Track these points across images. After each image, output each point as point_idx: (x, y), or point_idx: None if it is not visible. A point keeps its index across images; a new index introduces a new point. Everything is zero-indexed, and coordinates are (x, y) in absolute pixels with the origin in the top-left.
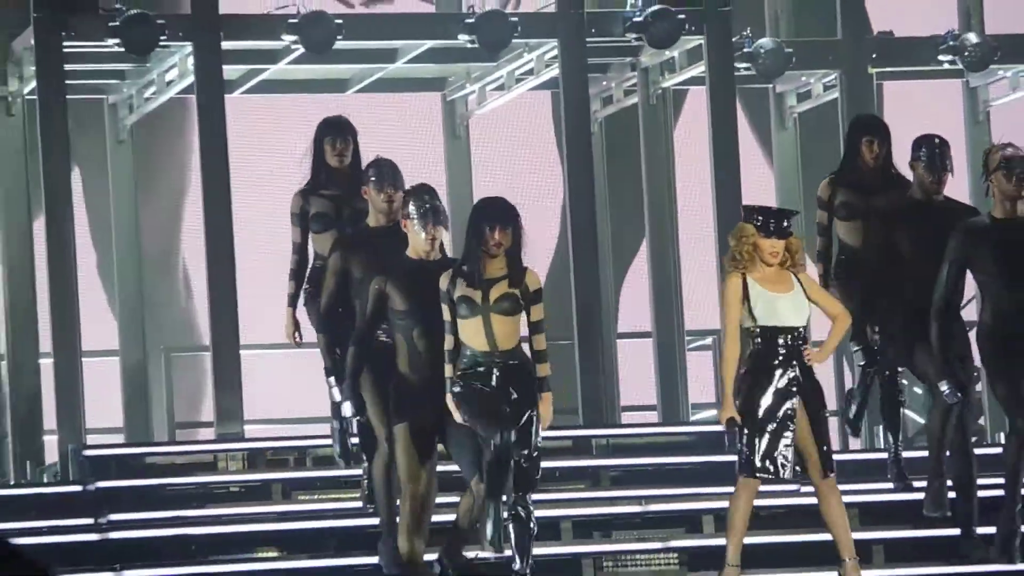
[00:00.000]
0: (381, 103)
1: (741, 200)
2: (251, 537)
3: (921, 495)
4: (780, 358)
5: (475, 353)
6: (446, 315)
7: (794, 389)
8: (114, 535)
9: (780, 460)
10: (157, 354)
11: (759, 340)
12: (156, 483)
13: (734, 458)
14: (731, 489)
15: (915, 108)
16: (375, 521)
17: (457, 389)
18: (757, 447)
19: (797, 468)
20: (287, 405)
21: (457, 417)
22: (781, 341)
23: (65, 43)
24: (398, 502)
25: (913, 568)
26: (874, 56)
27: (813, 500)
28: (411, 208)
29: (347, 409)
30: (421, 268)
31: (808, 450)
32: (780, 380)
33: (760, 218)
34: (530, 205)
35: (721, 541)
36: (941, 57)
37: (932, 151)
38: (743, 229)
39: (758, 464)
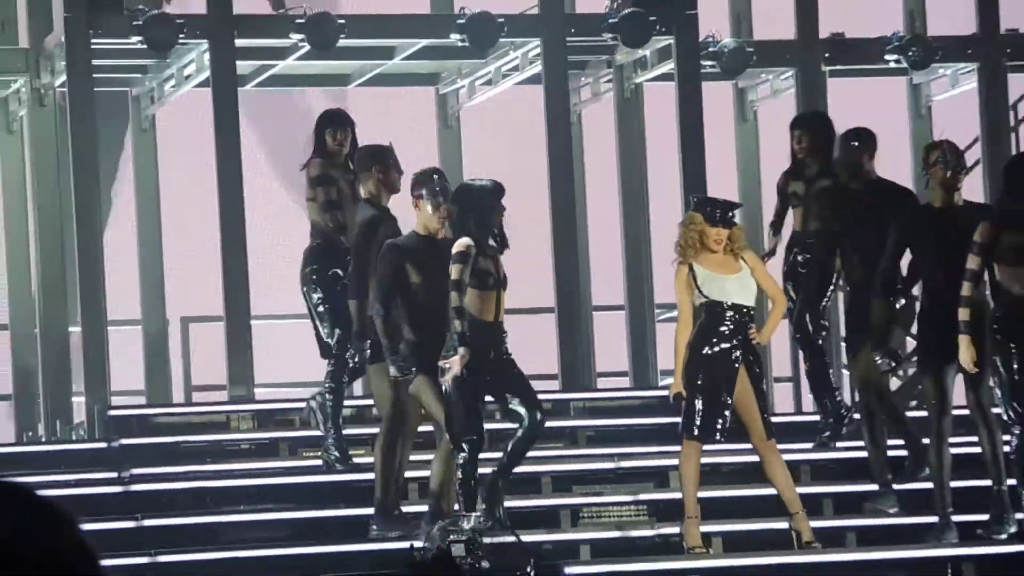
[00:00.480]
0: (380, 96)
1: (706, 183)
2: (260, 490)
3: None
4: (726, 332)
5: (483, 324)
6: (460, 275)
7: (735, 362)
8: (135, 488)
9: (718, 424)
10: (175, 323)
11: (705, 316)
12: (174, 440)
13: None
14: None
15: (863, 103)
16: (371, 476)
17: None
18: (697, 412)
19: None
20: (293, 370)
21: (452, 375)
22: (728, 316)
23: (92, 40)
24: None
25: (858, 520)
26: (826, 55)
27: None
28: (424, 189)
29: (402, 370)
30: (431, 244)
31: (750, 416)
32: (723, 352)
33: (708, 208)
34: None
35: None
36: (887, 56)
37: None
38: (692, 218)
39: (697, 427)
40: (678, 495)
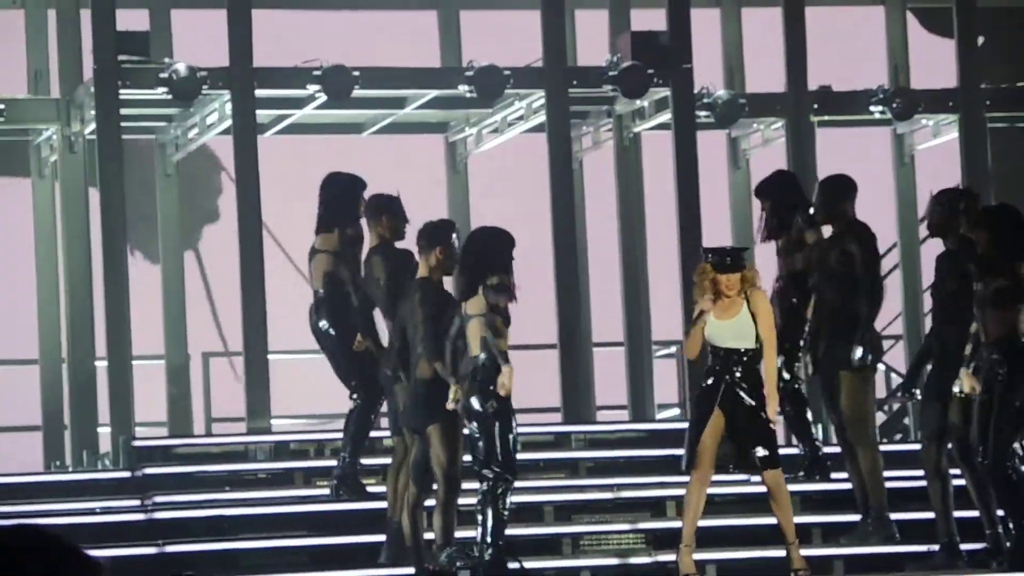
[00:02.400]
0: (392, 143)
1: (701, 227)
2: (276, 518)
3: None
4: (715, 371)
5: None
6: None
7: (717, 400)
8: (158, 515)
9: (699, 456)
10: (197, 357)
11: (709, 356)
12: (194, 470)
13: None
14: (688, 479)
15: (849, 152)
16: (384, 504)
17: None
18: (688, 446)
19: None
20: (309, 403)
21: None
22: (720, 358)
23: (121, 91)
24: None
25: (846, 548)
26: (815, 107)
27: (761, 488)
28: (454, 239)
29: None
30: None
31: (749, 452)
32: (709, 390)
33: (715, 257)
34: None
35: (681, 523)
36: (872, 108)
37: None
38: (703, 268)
39: (684, 458)
40: (674, 524)
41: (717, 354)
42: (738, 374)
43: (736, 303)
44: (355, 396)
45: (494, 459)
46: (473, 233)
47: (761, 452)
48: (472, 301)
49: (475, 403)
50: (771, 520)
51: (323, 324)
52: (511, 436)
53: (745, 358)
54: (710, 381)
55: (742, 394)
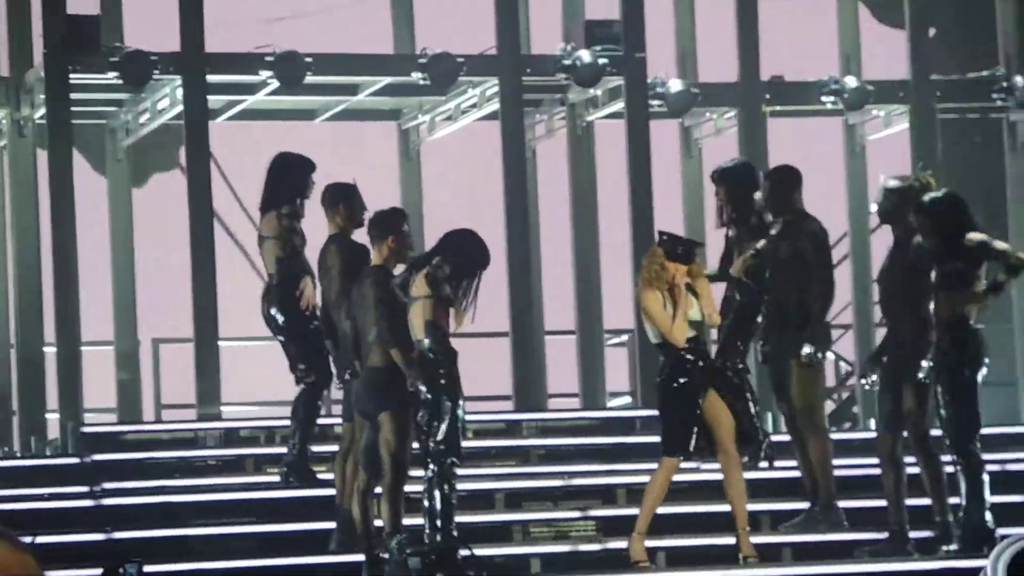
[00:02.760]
0: (344, 130)
1: (653, 216)
2: (226, 504)
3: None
4: (692, 364)
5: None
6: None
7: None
8: (107, 501)
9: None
10: (146, 344)
11: (675, 355)
12: (144, 457)
13: (644, 439)
14: (639, 466)
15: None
16: (329, 491)
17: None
18: (683, 434)
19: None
20: (259, 390)
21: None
22: (691, 349)
23: (71, 75)
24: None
25: (795, 536)
26: (767, 97)
27: (711, 476)
28: (406, 227)
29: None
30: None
31: (718, 432)
32: (695, 380)
33: (670, 244)
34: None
35: (632, 511)
36: (824, 98)
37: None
38: (654, 251)
39: (682, 446)
40: (625, 511)
41: (687, 347)
42: (714, 357)
43: (690, 299)
44: (304, 381)
45: (441, 444)
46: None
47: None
48: (416, 284)
49: (420, 388)
50: (720, 507)
51: (273, 310)
52: (459, 421)
53: (701, 344)
54: (689, 369)
55: (715, 364)
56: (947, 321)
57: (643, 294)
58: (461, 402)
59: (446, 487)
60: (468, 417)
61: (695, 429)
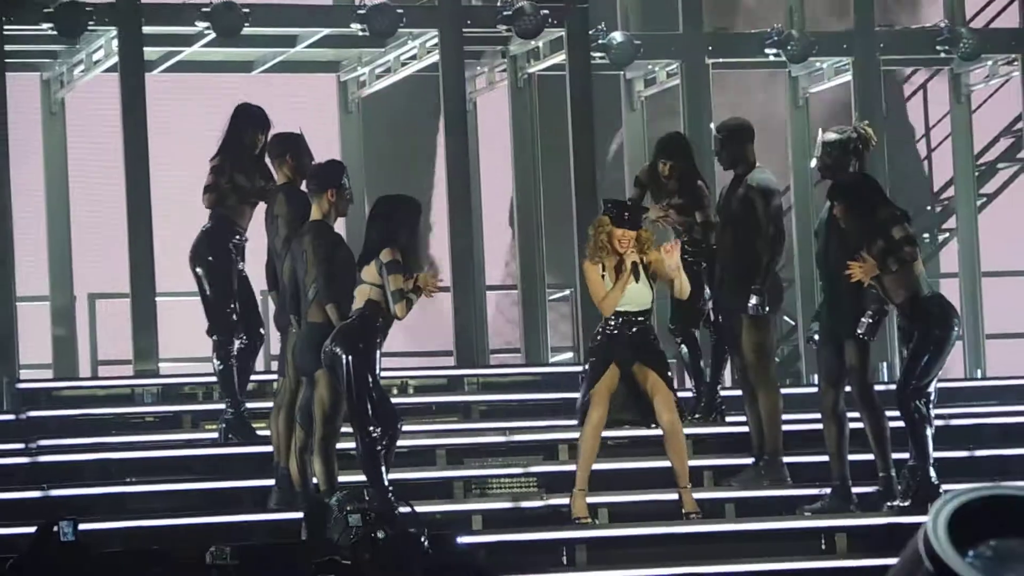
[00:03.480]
0: (283, 82)
1: (595, 170)
2: (164, 461)
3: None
4: (608, 332)
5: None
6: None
7: (608, 358)
8: (43, 458)
9: (589, 408)
10: (83, 299)
11: (601, 319)
12: (80, 413)
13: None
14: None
15: (743, 93)
16: (270, 448)
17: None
18: (582, 403)
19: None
20: (197, 346)
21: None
22: (615, 320)
23: (4, 27)
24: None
25: (737, 492)
26: (710, 48)
27: (654, 432)
28: (345, 180)
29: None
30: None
31: (655, 400)
32: (603, 346)
33: (615, 210)
34: (414, 173)
35: (574, 467)
36: (767, 50)
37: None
38: (600, 221)
39: (580, 414)
40: (567, 467)
41: (610, 317)
42: (631, 333)
43: (636, 271)
44: (211, 335)
45: (372, 415)
46: (377, 203)
47: (661, 398)
48: (367, 270)
49: (339, 351)
50: (664, 463)
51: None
52: (372, 393)
53: (639, 318)
54: (604, 340)
55: (636, 351)
56: (899, 301)
57: (584, 263)
58: (378, 366)
59: (382, 449)
60: (409, 373)
61: (588, 398)
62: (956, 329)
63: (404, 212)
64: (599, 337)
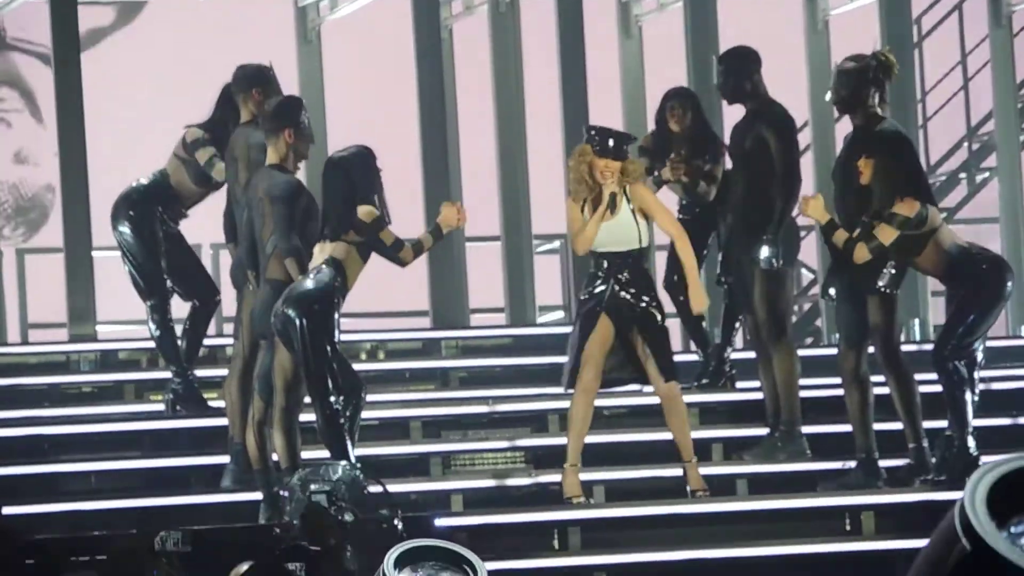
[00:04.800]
0: (235, 9)
1: (587, 104)
2: (104, 437)
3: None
4: (598, 279)
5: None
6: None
7: (598, 308)
8: None
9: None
10: (10, 254)
11: (592, 262)
12: (9, 383)
13: None
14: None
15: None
16: (225, 421)
17: None
18: (571, 362)
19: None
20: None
21: None
22: (602, 264)
23: None
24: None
25: (752, 468)
26: None
27: (656, 400)
28: (304, 117)
29: None
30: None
31: (644, 362)
32: (592, 299)
33: (597, 138)
34: (383, 110)
35: (565, 440)
36: None
37: None
38: (581, 150)
39: (567, 373)
40: (557, 440)
41: (598, 259)
42: (623, 278)
43: (618, 202)
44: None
45: (332, 385)
46: (329, 162)
47: (655, 362)
48: (336, 247)
49: (291, 314)
50: (667, 435)
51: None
52: (337, 352)
53: (630, 259)
54: (593, 289)
55: (630, 298)
56: (941, 275)
57: (567, 201)
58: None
59: (348, 419)
60: (379, 336)
61: (579, 357)
62: (1010, 285)
63: (361, 165)
64: (587, 287)
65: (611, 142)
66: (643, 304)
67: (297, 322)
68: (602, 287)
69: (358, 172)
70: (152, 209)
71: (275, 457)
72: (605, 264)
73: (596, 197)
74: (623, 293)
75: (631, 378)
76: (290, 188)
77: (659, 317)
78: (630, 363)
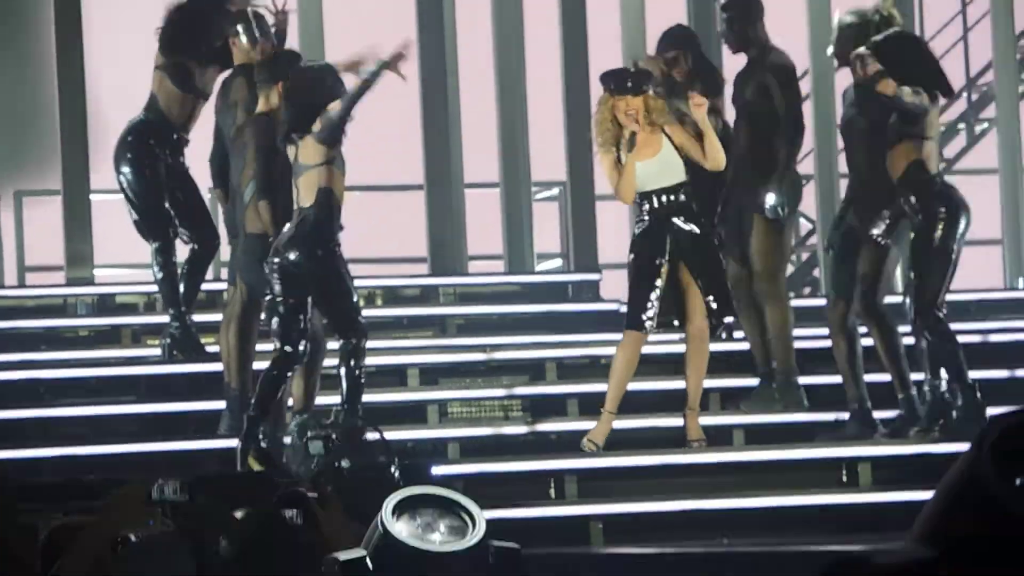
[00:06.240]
0: None
1: (587, 46)
2: (100, 381)
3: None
4: (649, 220)
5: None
6: None
7: (660, 250)
8: None
9: (644, 314)
10: (7, 197)
11: (637, 205)
12: (6, 326)
13: (577, 307)
14: (570, 338)
15: None
16: (220, 366)
17: None
18: (634, 302)
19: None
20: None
21: None
22: (648, 206)
23: None
24: None
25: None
26: None
27: (652, 350)
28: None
29: None
30: None
31: (690, 301)
32: (645, 239)
33: (611, 79)
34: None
35: (563, 389)
36: None
37: None
38: (603, 98)
39: (627, 315)
40: (555, 388)
41: (647, 198)
42: (673, 206)
43: (653, 140)
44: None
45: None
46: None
47: (708, 294)
48: (305, 149)
49: (293, 257)
50: (664, 385)
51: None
52: (350, 294)
53: (681, 192)
54: (647, 228)
55: (682, 224)
56: (901, 174)
57: (602, 162)
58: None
59: (352, 366)
60: (376, 283)
61: (651, 300)
62: (963, 225)
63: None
64: (638, 225)
65: (629, 82)
66: (700, 228)
67: (304, 267)
68: (659, 229)
69: (322, 88)
70: (147, 145)
71: (290, 402)
72: (651, 204)
73: (628, 142)
74: (675, 220)
75: (667, 321)
76: (275, 138)
77: (716, 241)
78: (675, 304)
